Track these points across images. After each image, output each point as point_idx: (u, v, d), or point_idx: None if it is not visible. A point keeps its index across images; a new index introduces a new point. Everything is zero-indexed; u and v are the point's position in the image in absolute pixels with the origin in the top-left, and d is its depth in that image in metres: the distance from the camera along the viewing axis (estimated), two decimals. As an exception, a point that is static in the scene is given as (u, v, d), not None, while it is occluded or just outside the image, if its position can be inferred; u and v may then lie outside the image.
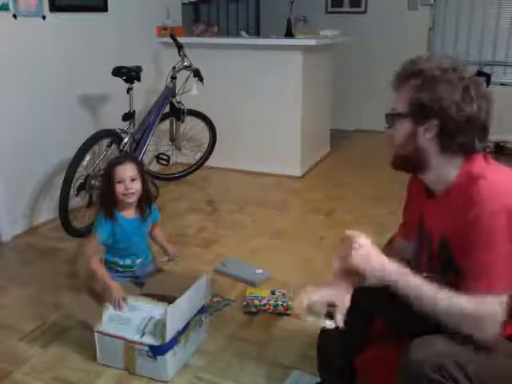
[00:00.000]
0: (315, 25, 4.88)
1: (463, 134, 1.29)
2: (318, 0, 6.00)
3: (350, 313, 1.39)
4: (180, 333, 1.98)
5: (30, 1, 3.16)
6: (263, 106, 4.38)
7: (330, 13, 6.01)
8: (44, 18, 3.28)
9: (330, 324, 1.37)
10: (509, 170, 1.34)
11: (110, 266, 2.31)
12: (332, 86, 5.03)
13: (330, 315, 1.37)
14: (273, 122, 4.38)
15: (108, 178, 2.23)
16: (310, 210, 3.73)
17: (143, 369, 1.97)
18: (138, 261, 2.35)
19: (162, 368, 1.95)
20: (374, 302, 1.45)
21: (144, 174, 2.29)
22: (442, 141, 1.31)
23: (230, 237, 3.24)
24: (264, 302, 2.42)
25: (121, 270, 2.32)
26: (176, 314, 1.95)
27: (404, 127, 1.35)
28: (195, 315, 2.10)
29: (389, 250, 1.57)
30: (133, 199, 2.23)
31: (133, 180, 2.21)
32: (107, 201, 2.24)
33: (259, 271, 2.73)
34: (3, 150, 3.13)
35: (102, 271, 2.20)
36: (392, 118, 1.38)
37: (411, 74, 1.32)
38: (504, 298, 1.23)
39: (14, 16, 3.08)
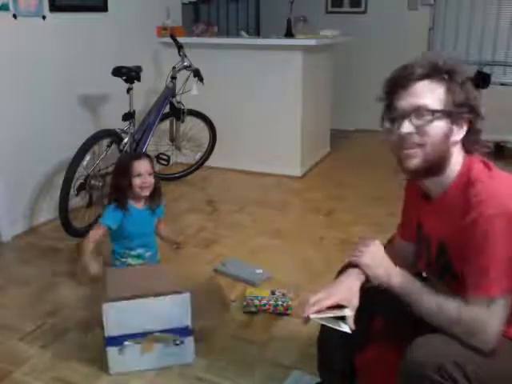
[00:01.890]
0: (315, 25, 4.88)
1: (481, 132, 1.28)
2: (318, 0, 6.00)
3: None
4: (126, 337, 1.95)
5: (30, 1, 3.16)
6: (263, 106, 4.38)
7: (330, 13, 6.01)
8: (44, 18, 3.28)
9: (345, 327, 1.34)
10: (507, 173, 1.33)
11: (121, 257, 2.44)
12: (332, 86, 5.03)
13: (342, 317, 1.36)
14: (273, 122, 4.38)
15: (125, 171, 2.37)
16: (310, 210, 3.73)
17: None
18: (148, 254, 2.46)
19: (107, 359, 2.00)
20: (375, 301, 1.45)
21: (154, 169, 2.48)
22: (468, 139, 1.29)
23: (230, 237, 3.24)
24: (264, 302, 2.42)
25: (132, 263, 2.41)
26: (122, 316, 1.93)
27: (440, 127, 1.27)
28: (165, 331, 1.99)
29: (390, 249, 1.57)
30: (147, 192, 2.40)
31: (149, 174, 2.39)
32: (122, 192, 2.38)
33: (259, 271, 2.73)
34: (3, 150, 3.13)
35: (88, 251, 2.31)
36: (427, 117, 1.26)
37: (437, 71, 1.27)
38: (503, 302, 1.23)
39: (14, 16, 3.08)
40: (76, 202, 3.18)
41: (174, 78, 3.80)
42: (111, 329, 1.94)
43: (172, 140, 4.08)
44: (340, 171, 4.66)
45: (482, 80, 5.53)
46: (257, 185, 4.27)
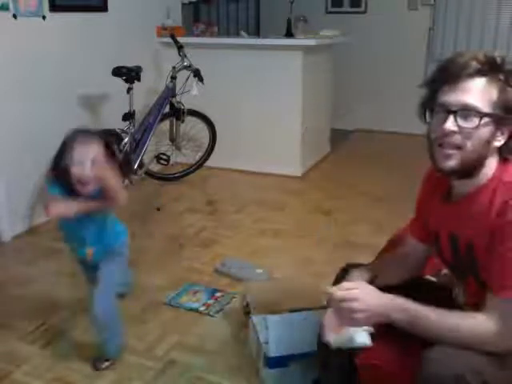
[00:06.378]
0: (315, 25, 4.87)
1: None
2: (318, 0, 6.00)
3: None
4: (290, 358, 1.73)
5: (29, 1, 3.16)
6: (263, 106, 4.38)
7: (330, 13, 6.01)
8: (44, 18, 3.28)
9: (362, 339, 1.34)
10: None
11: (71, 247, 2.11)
12: (332, 85, 5.03)
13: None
14: (273, 122, 4.38)
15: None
16: (310, 210, 3.73)
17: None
18: (90, 250, 2.02)
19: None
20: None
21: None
22: (507, 146, 1.22)
23: (230, 237, 3.24)
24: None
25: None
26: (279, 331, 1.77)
27: (485, 130, 1.19)
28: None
29: (399, 248, 1.55)
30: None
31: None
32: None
33: (259, 271, 2.73)
34: (3, 150, 3.13)
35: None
36: (474, 120, 1.18)
37: (494, 69, 1.18)
38: None
39: (14, 16, 3.08)
40: (76, 202, 3.18)
41: (174, 78, 3.80)
42: (274, 347, 1.73)
43: (172, 140, 4.08)
44: (340, 171, 4.66)
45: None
46: (257, 185, 4.27)
